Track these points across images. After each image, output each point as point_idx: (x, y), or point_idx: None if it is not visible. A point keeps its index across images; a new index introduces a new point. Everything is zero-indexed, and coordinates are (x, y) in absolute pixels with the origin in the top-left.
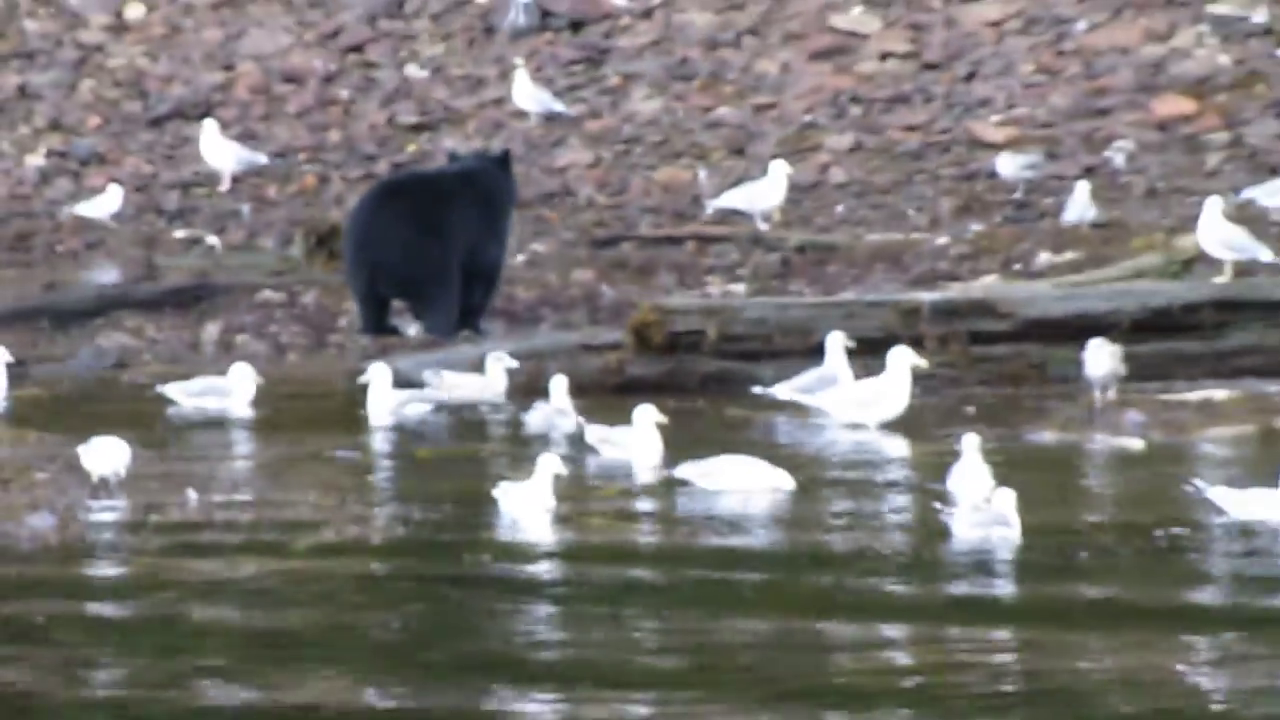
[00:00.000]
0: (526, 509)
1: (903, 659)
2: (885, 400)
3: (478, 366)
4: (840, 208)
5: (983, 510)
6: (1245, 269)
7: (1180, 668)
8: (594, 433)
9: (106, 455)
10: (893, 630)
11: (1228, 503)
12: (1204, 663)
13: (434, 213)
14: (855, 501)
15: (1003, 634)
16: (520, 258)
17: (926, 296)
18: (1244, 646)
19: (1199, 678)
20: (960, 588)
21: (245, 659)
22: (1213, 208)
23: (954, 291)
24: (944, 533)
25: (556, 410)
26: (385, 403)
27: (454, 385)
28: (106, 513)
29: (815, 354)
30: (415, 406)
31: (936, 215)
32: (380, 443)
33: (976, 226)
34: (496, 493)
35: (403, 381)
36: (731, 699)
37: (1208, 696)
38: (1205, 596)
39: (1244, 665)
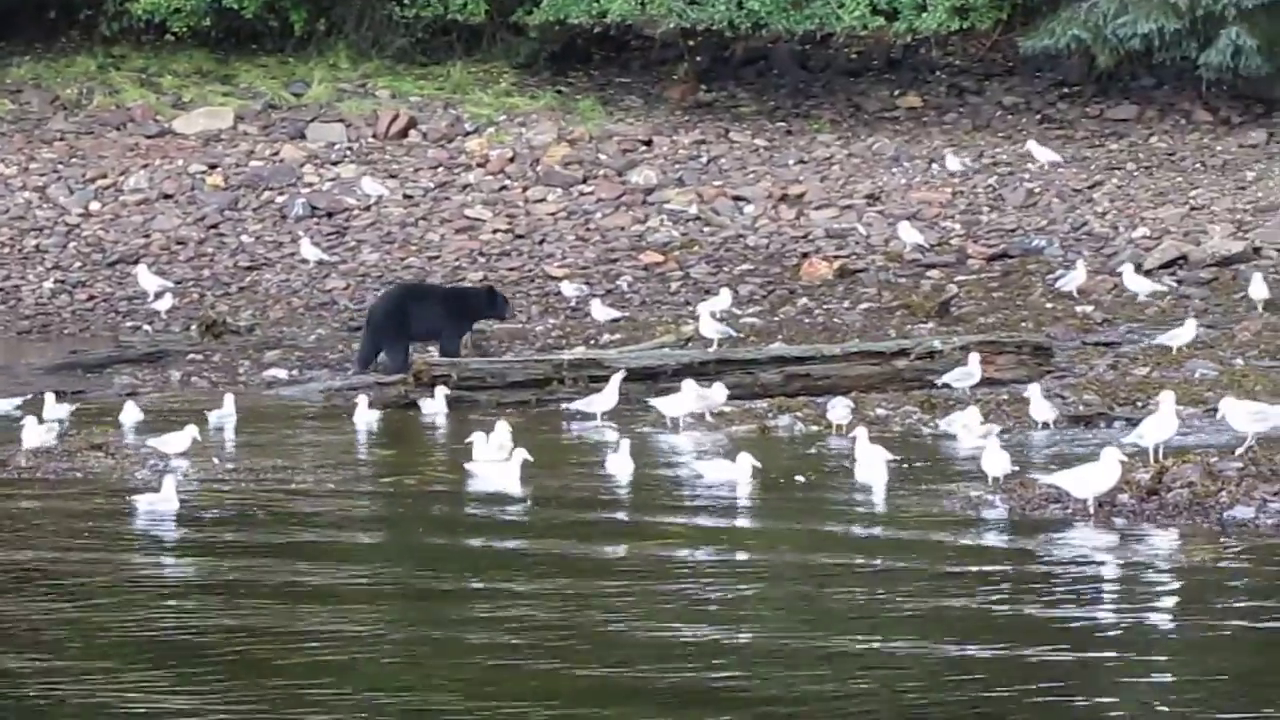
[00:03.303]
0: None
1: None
2: (682, 403)
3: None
4: None
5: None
6: (724, 343)
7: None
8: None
9: (175, 442)
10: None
11: (860, 455)
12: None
13: (422, 299)
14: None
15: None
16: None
17: (565, 357)
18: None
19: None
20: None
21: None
22: (705, 311)
23: (576, 354)
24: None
25: (443, 410)
26: (227, 414)
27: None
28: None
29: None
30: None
31: (531, 315)
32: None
33: (554, 321)
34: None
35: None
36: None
37: None
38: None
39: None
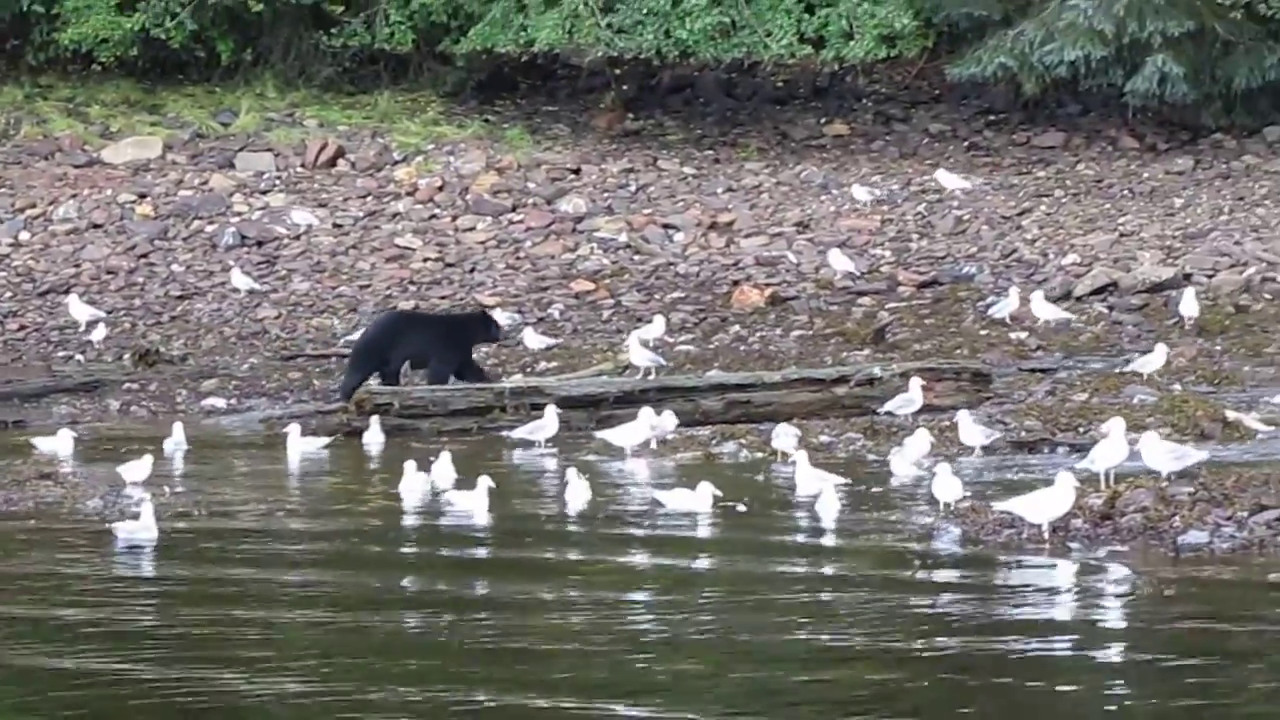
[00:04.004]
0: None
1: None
2: (636, 434)
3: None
4: None
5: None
6: (658, 371)
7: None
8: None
9: (135, 470)
10: None
11: (801, 480)
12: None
13: (409, 326)
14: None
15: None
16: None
17: (507, 384)
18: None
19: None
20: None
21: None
22: (634, 339)
23: (518, 382)
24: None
25: (378, 438)
26: (178, 442)
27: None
28: (139, 495)
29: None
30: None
31: None
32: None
33: (487, 349)
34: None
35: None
36: None
37: None
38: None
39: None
